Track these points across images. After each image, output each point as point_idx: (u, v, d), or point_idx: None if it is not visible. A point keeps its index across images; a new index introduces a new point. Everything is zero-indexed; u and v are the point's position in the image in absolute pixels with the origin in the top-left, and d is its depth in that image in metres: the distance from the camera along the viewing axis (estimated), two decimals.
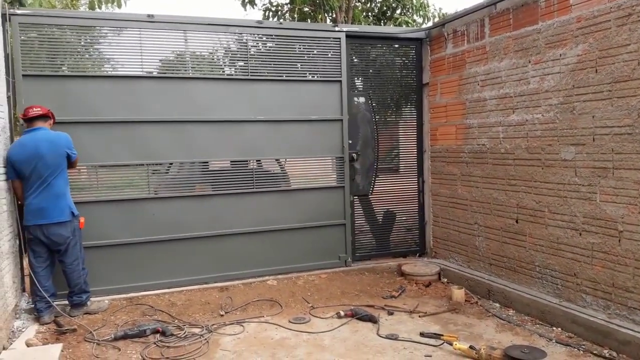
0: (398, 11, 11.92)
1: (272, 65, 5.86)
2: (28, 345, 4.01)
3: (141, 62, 5.34)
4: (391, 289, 5.52)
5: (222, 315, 4.81)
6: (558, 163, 4.50)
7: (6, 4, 4.96)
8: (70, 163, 4.74)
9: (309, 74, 6.07)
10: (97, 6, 7.90)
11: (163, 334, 4.29)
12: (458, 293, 5.14)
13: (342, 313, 4.73)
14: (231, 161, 5.88)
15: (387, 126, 6.77)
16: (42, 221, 4.54)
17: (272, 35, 5.91)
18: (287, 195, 6.03)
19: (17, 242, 4.81)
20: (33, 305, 4.67)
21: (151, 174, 5.53)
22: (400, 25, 10.92)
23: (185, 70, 5.60)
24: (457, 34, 5.82)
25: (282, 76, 5.88)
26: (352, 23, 10.67)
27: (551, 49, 4.52)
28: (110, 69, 5.48)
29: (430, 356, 3.88)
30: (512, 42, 4.96)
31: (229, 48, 5.87)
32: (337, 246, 6.18)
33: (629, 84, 3.83)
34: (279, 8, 11.18)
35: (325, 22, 10.83)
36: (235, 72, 5.89)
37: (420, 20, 11.81)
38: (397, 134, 6.82)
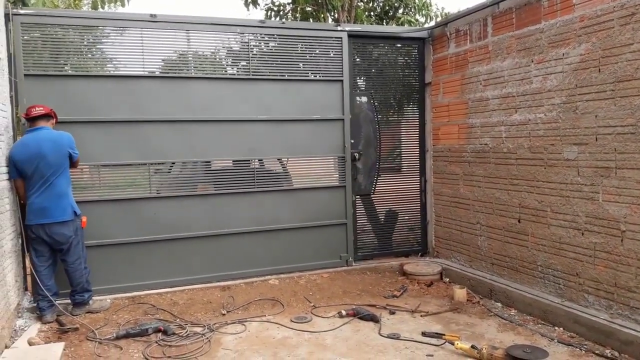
0: (400, 10, 11.93)
1: (275, 65, 5.86)
2: (30, 344, 4.02)
3: (143, 61, 5.34)
4: (393, 289, 5.52)
5: (223, 315, 4.82)
6: (560, 163, 4.49)
7: (9, 3, 4.96)
8: (72, 163, 4.75)
9: (311, 73, 6.07)
10: (99, 6, 7.91)
11: (165, 333, 4.29)
12: (460, 293, 5.13)
13: (343, 312, 4.73)
14: (233, 161, 5.88)
15: (389, 126, 6.77)
16: (44, 220, 4.55)
17: (274, 35, 5.91)
18: (289, 195, 6.03)
19: (20, 241, 4.82)
20: (35, 304, 4.68)
21: (153, 173, 5.53)
22: (402, 24, 10.92)
23: (188, 70, 5.60)
24: (459, 33, 5.81)
25: (284, 76, 5.88)
26: (354, 22, 10.67)
27: (554, 48, 4.51)
28: (113, 69, 5.48)
29: (432, 356, 3.88)
30: (515, 41, 4.95)
31: (232, 48, 5.87)
32: (339, 246, 6.18)
33: (632, 83, 3.82)
34: (281, 8, 11.19)
35: (328, 21, 10.84)
36: (238, 71, 5.89)
37: (422, 19, 11.82)
38: (400, 133, 6.81)
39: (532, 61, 4.74)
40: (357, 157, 6.23)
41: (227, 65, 6.04)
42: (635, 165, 3.83)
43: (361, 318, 4.65)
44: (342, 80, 6.07)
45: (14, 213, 4.66)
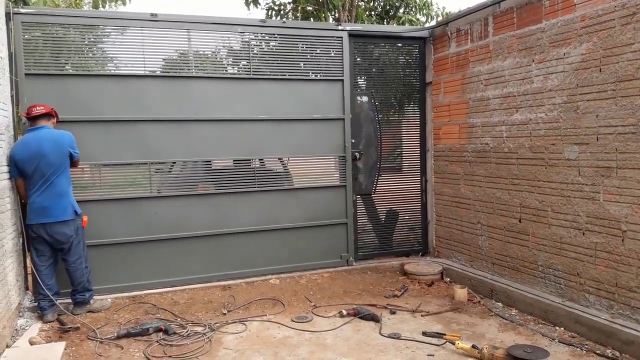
0: (401, 10, 11.93)
1: (275, 64, 5.86)
2: (31, 343, 4.02)
3: (144, 61, 5.34)
4: (394, 288, 5.52)
5: (224, 314, 4.82)
6: (561, 162, 4.48)
7: (10, 2, 4.96)
8: (73, 162, 4.75)
9: (312, 73, 6.06)
10: (100, 5, 7.91)
11: (166, 332, 4.29)
12: (461, 292, 5.13)
13: (344, 312, 4.73)
14: (234, 160, 5.88)
15: (390, 125, 6.76)
16: (45, 220, 4.55)
17: (275, 35, 5.91)
18: (290, 194, 6.03)
19: (21, 240, 4.82)
20: (36, 304, 4.68)
21: (154, 172, 5.53)
22: (403, 24, 10.93)
23: (189, 70, 5.60)
24: (460, 32, 5.81)
25: (285, 75, 5.88)
26: (355, 22, 10.67)
27: (555, 48, 4.51)
28: (114, 68, 5.48)
29: (433, 355, 3.88)
30: (516, 41, 4.95)
31: (232, 47, 5.87)
32: (339, 245, 6.18)
33: (633, 83, 3.82)
34: (282, 7, 11.19)
35: (328, 21, 10.83)
36: (238, 71, 5.89)
37: (423, 19, 11.82)
38: (400, 133, 6.81)
39: (533, 61, 4.74)
40: (357, 156, 6.23)
41: (227, 64, 6.04)
42: (636, 165, 3.82)
43: (362, 318, 4.65)
44: (342, 80, 6.07)
45: (14, 212, 4.66)
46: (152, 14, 5.28)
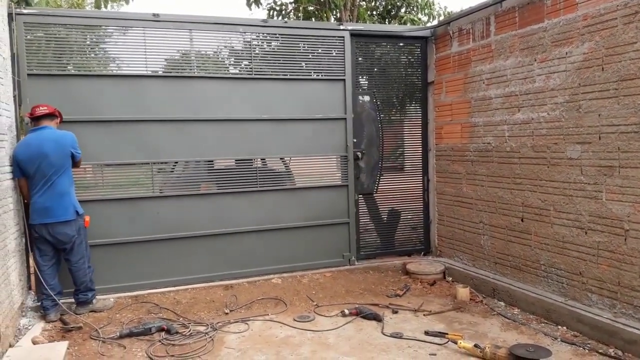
0: (403, 9, 11.91)
1: (277, 64, 5.86)
2: (34, 342, 4.03)
3: (146, 61, 5.35)
4: (396, 288, 5.52)
5: (226, 314, 4.83)
6: (564, 162, 4.48)
7: (12, 3, 4.97)
8: (75, 162, 4.76)
9: (314, 72, 6.06)
10: (102, 5, 7.92)
11: (168, 332, 4.30)
12: (463, 292, 5.13)
13: (346, 311, 4.74)
14: (236, 160, 5.89)
15: (392, 125, 6.77)
16: (47, 220, 4.56)
17: (276, 34, 5.91)
18: (292, 194, 6.03)
19: (24, 240, 4.84)
20: (39, 303, 4.69)
21: (156, 172, 5.54)
22: (405, 23, 10.91)
23: (191, 70, 5.61)
24: (462, 32, 5.80)
25: (287, 75, 5.88)
26: (356, 22, 10.67)
27: (557, 47, 4.50)
28: (116, 68, 5.49)
29: (435, 355, 3.88)
30: (518, 40, 4.94)
31: (234, 47, 5.88)
32: (341, 245, 6.18)
33: (636, 82, 3.81)
34: (284, 7, 11.18)
35: (330, 20, 10.83)
36: (240, 71, 5.89)
37: (425, 18, 11.81)
38: (402, 132, 6.81)
39: (535, 60, 4.74)
40: (359, 156, 6.23)
41: (229, 64, 6.05)
42: (638, 164, 3.81)
43: (364, 317, 4.65)
44: (344, 80, 6.07)
45: (17, 212, 4.67)
46: (154, 14, 5.29)
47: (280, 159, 6.15)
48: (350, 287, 5.54)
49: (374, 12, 12.17)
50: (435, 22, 8.77)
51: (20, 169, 4.55)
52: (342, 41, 6.03)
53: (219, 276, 5.63)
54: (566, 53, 4.40)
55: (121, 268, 5.29)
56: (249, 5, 10.80)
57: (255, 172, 5.86)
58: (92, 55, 5.48)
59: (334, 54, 6.08)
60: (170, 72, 5.53)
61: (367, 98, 6.36)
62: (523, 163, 4.94)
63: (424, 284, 5.70)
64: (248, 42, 5.80)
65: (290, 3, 11.19)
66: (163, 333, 4.30)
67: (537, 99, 4.73)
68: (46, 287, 4.58)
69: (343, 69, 6.06)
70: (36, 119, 4.65)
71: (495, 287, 5.17)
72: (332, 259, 6.12)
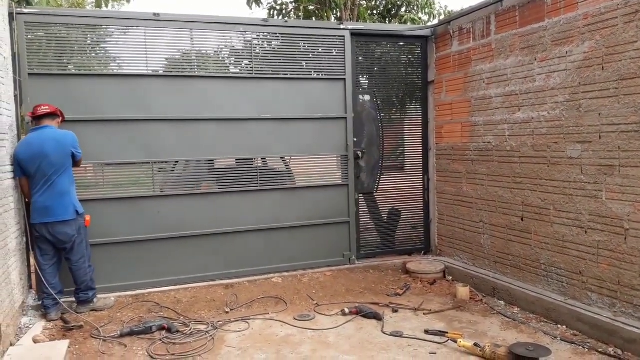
0: (403, 9, 11.91)
1: (277, 64, 5.87)
2: (35, 341, 4.05)
3: (147, 60, 5.36)
4: (396, 287, 5.52)
5: (227, 312, 4.84)
6: (564, 161, 4.48)
7: (13, 3, 4.98)
8: (75, 162, 4.77)
9: (314, 72, 6.07)
10: (103, 4, 7.92)
11: (169, 330, 4.31)
12: (463, 291, 5.14)
13: (346, 310, 4.74)
14: (236, 159, 5.90)
15: (392, 124, 6.77)
16: (47, 219, 4.57)
17: (277, 34, 5.91)
18: (292, 193, 6.04)
19: (25, 239, 4.85)
20: (40, 302, 4.71)
21: (157, 172, 5.55)
22: (405, 23, 10.91)
23: (191, 69, 5.61)
24: (462, 31, 5.80)
25: (287, 74, 5.88)
26: (357, 21, 10.67)
27: (557, 46, 4.50)
28: (117, 68, 5.50)
29: (435, 353, 3.89)
30: (518, 39, 4.94)
31: (234, 47, 5.88)
32: (341, 244, 6.18)
33: (636, 81, 3.81)
34: (284, 6, 11.19)
35: (330, 20, 10.83)
36: (241, 70, 5.90)
37: (425, 18, 11.80)
38: (403, 131, 6.82)
39: (536, 59, 4.74)
40: (360, 155, 6.24)
41: (230, 64, 6.05)
42: (639, 164, 3.82)
43: (364, 316, 4.66)
44: (345, 79, 6.07)
45: (18, 211, 4.69)
46: (154, 14, 5.30)
47: (281, 158, 6.16)
48: (351, 286, 5.55)
49: (374, 12, 12.17)
50: (435, 22, 8.78)
51: (21, 168, 4.56)
52: (342, 40, 6.04)
53: (220, 275, 5.64)
54: (566, 52, 4.40)
55: (122, 267, 5.30)
56: (249, 4, 10.81)
57: (255, 171, 5.86)
58: (93, 54, 5.49)
59: (335, 54, 6.08)
60: (171, 72, 5.54)
61: (367, 97, 6.37)
62: (523, 162, 4.94)
63: (424, 283, 5.71)
64: (249, 41, 5.80)
65: (291, 2, 11.20)
66: (164, 332, 4.31)
67: (537, 98, 4.73)
68: (47, 286, 4.59)
69: (343, 68, 6.06)
70: (38, 118, 4.66)
71: (495, 286, 5.18)
72: (333, 258, 6.12)
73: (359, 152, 6.22)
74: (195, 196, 5.62)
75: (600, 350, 3.83)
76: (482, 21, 5.46)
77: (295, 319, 4.66)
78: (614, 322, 3.91)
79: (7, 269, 4.15)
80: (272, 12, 11.13)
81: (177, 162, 5.72)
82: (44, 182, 4.56)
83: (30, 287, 5.07)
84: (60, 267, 4.81)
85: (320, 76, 6.06)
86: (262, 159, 6.01)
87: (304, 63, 6.03)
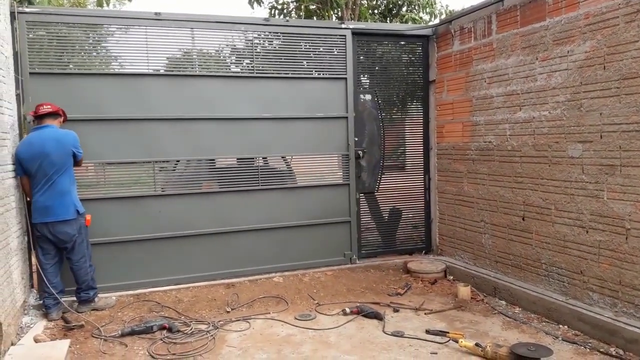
0: (404, 8, 11.90)
1: (278, 63, 5.87)
2: (36, 341, 4.05)
3: (148, 59, 5.35)
4: (397, 287, 5.52)
5: (228, 312, 4.84)
6: (565, 160, 4.47)
7: (15, 2, 4.98)
8: (76, 161, 4.77)
9: (315, 71, 6.06)
10: (104, 3, 7.92)
11: (170, 330, 4.31)
12: (464, 290, 5.13)
13: (347, 310, 4.74)
14: (237, 159, 5.90)
15: (393, 123, 6.77)
16: (48, 219, 4.57)
17: (278, 33, 5.91)
18: (293, 193, 6.04)
19: (26, 238, 4.85)
20: (41, 302, 4.71)
21: (158, 171, 5.55)
22: (406, 22, 10.90)
23: (192, 68, 5.61)
24: (464, 31, 5.80)
25: (288, 74, 5.88)
26: (358, 20, 10.66)
27: (558, 45, 4.50)
28: (118, 67, 5.50)
29: (436, 353, 3.88)
30: (520, 39, 4.94)
31: (236, 46, 5.88)
32: (342, 243, 6.18)
33: (637, 80, 3.80)
34: (285, 6, 11.18)
35: (332, 19, 10.82)
36: (242, 69, 5.90)
37: (426, 17, 11.79)
38: (404, 131, 6.81)
39: (537, 59, 4.73)
40: (361, 154, 6.23)
41: (231, 63, 6.05)
42: None
43: (365, 316, 4.66)
44: (346, 78, 6.07)
45: (20, 211, 4.69)
46: (155, 13, 5.30)
47: (282, 157, 6.16)
48: (352, 286, 5.55)
49: (376, 11, 12.15)
50: (436, 21, 8.77)
51: (23, 168, 4.56)
52: (343, 40, 6.03)
53: (221, 275, 5.64)
54: (568, 51, 4.40)
55: (123, 266, 5.30)
56: (250, 4, 10.80)
57: (256, 170, 5.86)
58: (94, 53, 5.49)
59: (336, 53, 6.08)
60: (172, 71, 5.54)
61: (368, 97, 6.37)
62: (524, 162, 4.94)
63: (425, 282, 5.71)
64: (250, 40, 5.80)
65: (292, 2, 11.18)
66: (165, 331, 4.31)
67: (538, 97, 4.73)
68: (48, 285, 4.59)
69: (344, 67, 6.06)
70: (39, 117, 4.66)
71: (496, 286, 5.17)
72: (334, 258, 6.12)
73: (360, 152, 6.22)
74: (196, 195, 5.62)
75: (601, 350, 3.82)
76: (483, 20, 5.46)
77: (296, 318, 4.66)
78: (615, 322, 3.91)
79: (8, 268, 4.15)
80: (273, 12, 11.12)
81: (178, 161, 5.72)
82: (44, 181, 4.56)
83: (32, 287, 5.07)
84: (62, 266, 4.82)
85: (321, 75, 6.05)
86: (263, 158, 6.01)
87: (305, 62, 6.03)
